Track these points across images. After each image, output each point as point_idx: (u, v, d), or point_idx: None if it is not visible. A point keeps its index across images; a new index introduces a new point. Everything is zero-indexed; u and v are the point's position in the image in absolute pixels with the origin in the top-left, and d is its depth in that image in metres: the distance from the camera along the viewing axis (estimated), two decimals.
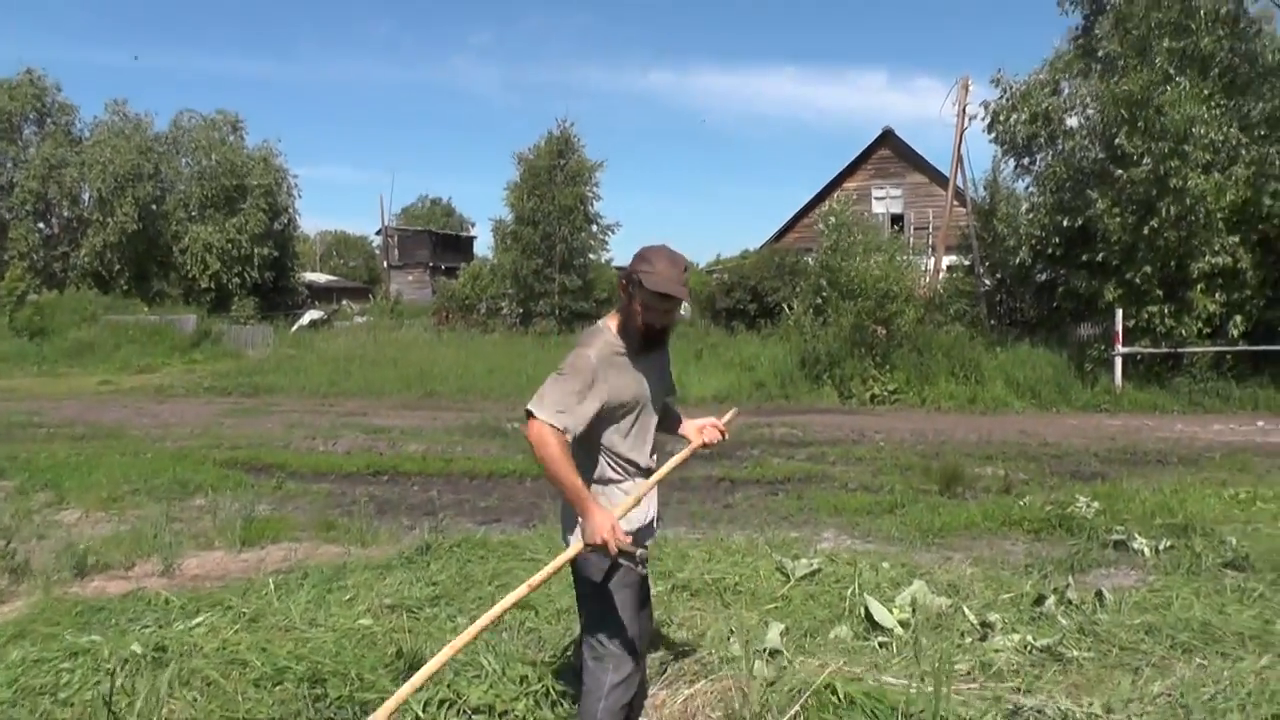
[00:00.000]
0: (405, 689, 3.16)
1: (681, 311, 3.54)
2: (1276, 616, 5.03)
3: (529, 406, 3.22)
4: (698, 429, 3.73)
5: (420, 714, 3.76)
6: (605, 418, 3.34)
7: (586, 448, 3.38)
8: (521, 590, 3.28)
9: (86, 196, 40.28)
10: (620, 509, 3.32)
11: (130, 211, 38.64)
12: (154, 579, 6.51)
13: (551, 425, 3.17)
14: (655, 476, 3.49)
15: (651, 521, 3.55)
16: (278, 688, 4.17)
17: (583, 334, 3.52)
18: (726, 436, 3.73)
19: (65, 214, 40.67)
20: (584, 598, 3.48)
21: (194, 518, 8.51)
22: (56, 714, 3.94)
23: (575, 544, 3.30)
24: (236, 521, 7.89)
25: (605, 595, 3.38)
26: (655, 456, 3.55)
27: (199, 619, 5.21)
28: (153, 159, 40.42)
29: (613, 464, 3.44)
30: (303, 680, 4.14)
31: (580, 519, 3.23)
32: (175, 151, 42.07)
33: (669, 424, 3.76)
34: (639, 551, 3.31)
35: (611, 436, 3.40)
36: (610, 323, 3.47)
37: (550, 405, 3.21)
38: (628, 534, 3.24)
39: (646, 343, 3.43)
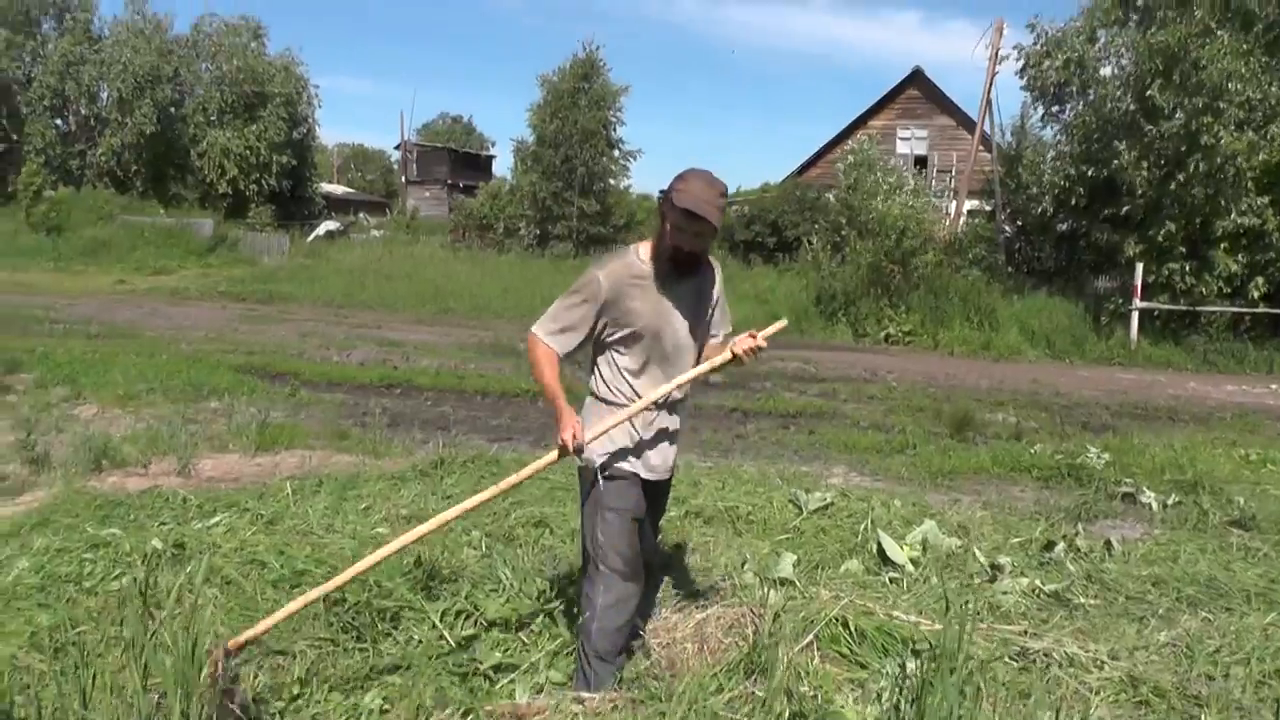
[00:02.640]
0: (358, 566, 3.44)
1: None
2: None
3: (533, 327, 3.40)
4: (735, 342, 3.52)
5: (438, 623, 3.82)
6: (614, 340, 3.39)
7: (602, 365, 3.49)
8: (501, 485, 3.48)
9: (105, 96, 39.90)
10: (598, 428, 3.39)
11: (149, 113, 38.33)
12: (170, 478, 6.59)
13: (539, 338, 3.37)
14: (673, 382, 3.45)
15: (667, 466, 3.60)
16: (296, 589, 4.23)
17: (611, 256, 3.50)
18: (764, 346, 3.44)
19: (83, 112, 40.31)
20: (583, 518, 3.53)
21: (209, 420, 8.58)
22: (83, 602, 4.02)
23: (551, 453, 3.42)
24: (251, 426, 7.97)
25: (600, 516, 3.41)
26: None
27: (217, 519, 5.29)
28: (172, 62, 39.96)
29: (618, 387, 3.46)
30: (321, 584, 4.20)
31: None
32: (195, 55, 41.53)
33: (708, 352, 3.65)
34: (585, 453, 3.38)
35: (623, 360, 3.43)
36: (642, 246, 3.45)
37: (545, 321, 3.39)
38: (621, 474, 3.40)
39: (676, 268, 3.36)
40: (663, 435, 3.55)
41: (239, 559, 4.56)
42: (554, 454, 3.39)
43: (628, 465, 3.45)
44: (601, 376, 3.51)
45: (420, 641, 3.72)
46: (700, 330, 3.55)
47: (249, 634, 3.26)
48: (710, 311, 3.60)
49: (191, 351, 12.79)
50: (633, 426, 3.45)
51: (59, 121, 40.89)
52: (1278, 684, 3.72)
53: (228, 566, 4.43)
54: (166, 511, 5.53)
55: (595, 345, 3.50)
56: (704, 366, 3.54)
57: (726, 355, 3.47)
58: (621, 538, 3.40)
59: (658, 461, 3.54)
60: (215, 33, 41.47)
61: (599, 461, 3.42)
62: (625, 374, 3.44)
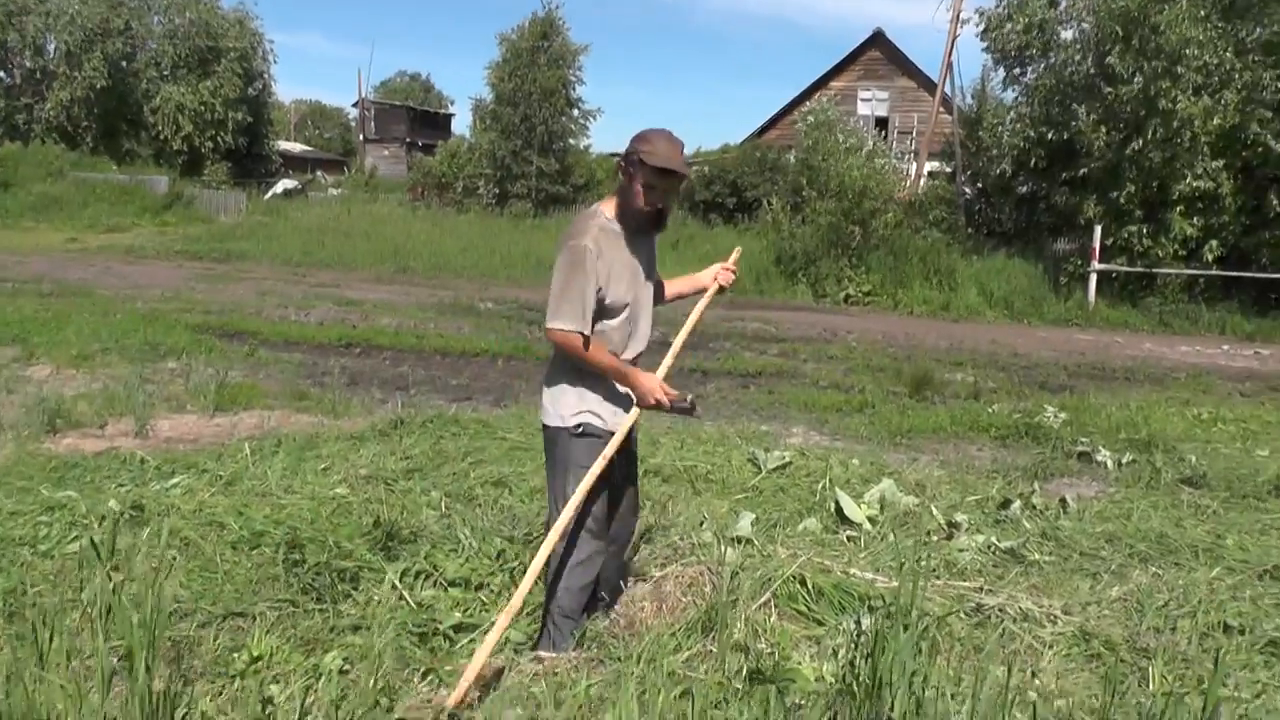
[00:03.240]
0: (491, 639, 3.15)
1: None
2: (1228, 531, 5.19)
3: (547, 324, 3.32)
4: (712, 275, 3.80)
5: (398, 583, 3.82)
6: (600, 303, 3.35)
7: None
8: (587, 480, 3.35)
9: (52, 48, 38.91)
10: (661, 369, 3.48)
11: (99, 67, 37.43)
12: (127, 439, 6.51)
13: (567, 330, 3.27)
14: (687, 325, 3.64)
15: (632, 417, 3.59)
16: (255, 550, 4.22)
17: (574, 222, 3.48)
18: (738, 273, 3.82)
19: (28, 65, 39.28)
20: (549, 459, 3.53)
21: (166, 380, 8.48)
22: (38, 565, 3.97)
23: (632, 414, 3.43)
24: (209, 386, 7.88)
25: (571, 474, 3.40)
26: (648, 340, 3.61)
27: (175, 480, 5.24)
28: (123, 14, 39.00)
29: (608, 347, 3.44)
30: (280, 545, 4.19)
31: (631, 389, 3.40)
32: (146, 8, 40.59)
33: (664, 292, 3.81)
34: (689, 398, 3.43)
35: (608, 320, 3.41)
36: (604, 206, 3.45)
37: (563, 314, 3.28)
38: (597, 432, 3.41)
39: (646, 226, 3.46)
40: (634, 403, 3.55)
41: (198, 520, 4.52)
42: (635, 414, 3.44)
43: (599, 423, 3.44)
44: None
45: (380, 602, 3.72)
46: (653, 282, 3.63)
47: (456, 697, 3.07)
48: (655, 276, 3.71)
49: (147, 311, 12.60)
50: (606, 384, 3.44)
51: (1, 74, 39.83)
52: (1221, 635, 3.82)
53: (187, 528, 4.40)
54: (124, 473, 5.48)
55: None
56: (701, 305, 3.75)
57: (714, 288, 3.76)
58: (590, 497, 3.40)
59: (628, 420, 3.53)
60: None
61: (572, 421, 3.42)
62: (615, 341, 3.44)
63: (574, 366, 3.42)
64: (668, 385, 3.39)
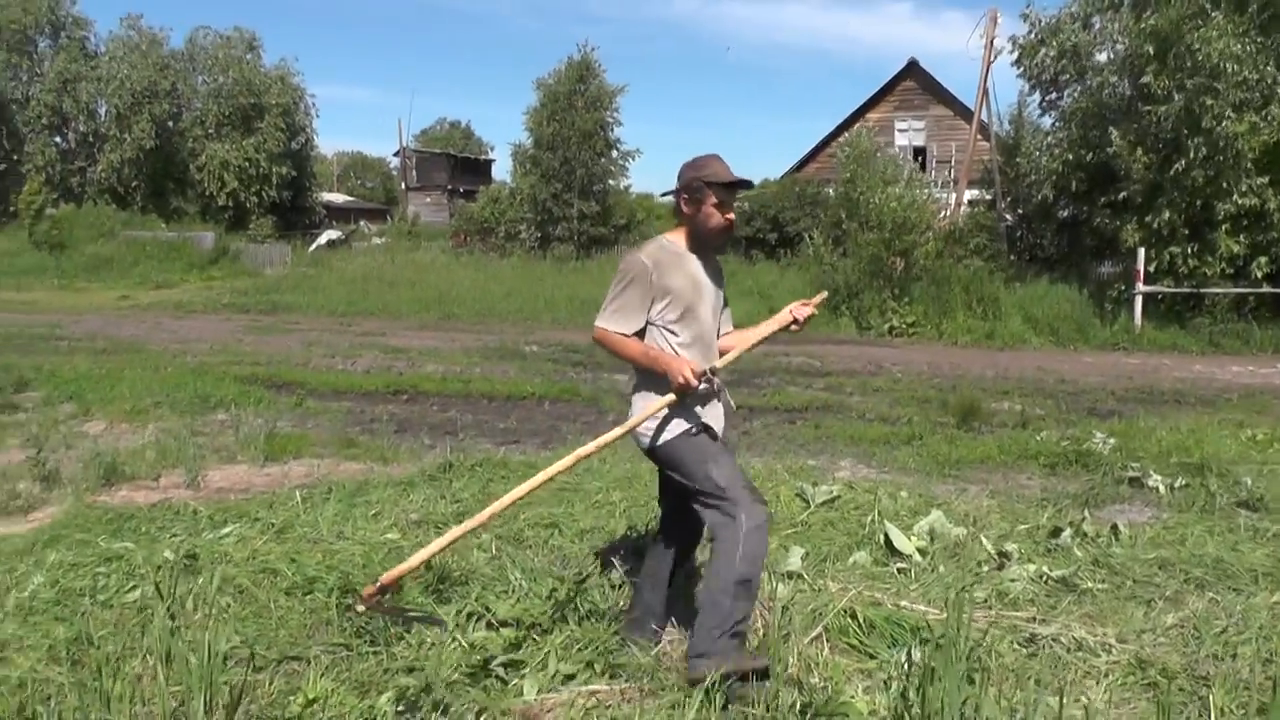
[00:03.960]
0: (427, 550, 3.52)
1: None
2: None
3: (595, 323, 3.56)
4: (789, 309, 3.80)
5: (452, 626, 3.85)
6: (662, 317, 3.53)
7: (652, 344, 3.57)
8: (581, 452, 3.57)
9: (103, 112, 40.07)
10: (720, 361, 3.64)
11: (147, 128, 38.51)
12: (180, 490, 6.62)
13: (605, 328, 3.51)
14: (750, 340, 3.76)
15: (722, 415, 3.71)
16: (308, 596, 4.27)
17: (642, 243, 3.73)
18: (815, 314, 3.80)
19: (81, 129, 40.47)
20: (679, 468, 3.54)
21: (216, 432, 8.61)
22: (99, 614, 4.05)
23: (666, 396, 3.47)
24: (259, 436, 7.98)
25: (710, 461, 3.47)
26: (714, 358, 3.67)
27: (228, 529, 5.32)
28: (169, 76, 40.11)
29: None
30: (333, 589, 4.24)
31: (666, 375, 3.43)
32: (191, 69, 41.72)
33: (744, 334, 3.89)
34: (706, 371, 3.48)
35: (672, 336, 3.55)
36: (666, 236, 3.69)
37: (606, 313, 3.52)
38: (700, 427, 3.53)
39: (720, 243, 3.65)
40: (717, 403, 3.69)
41: (251, 568, 4.59)
42: (669, 396, 3.48)
43: (708, 420, 3.59)
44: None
45: (433, 644, 3.75)
46: (720, 312, 3.77)
47: (395, 572, 3.42)
48: (724, 297, 3.83)
49: (197, 364, 12.83)
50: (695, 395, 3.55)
51: (58, 139, 41.15)
52: None
53: (240, 575, 4.46)
54: (178, 523, 5.57)
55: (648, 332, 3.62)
56: (765, 329, 3.78)
57: (785, 318, 3.74)
58: (736, 471, 3.50)
59: (719, 427, 3.67)
60: (210, 45, 41.61)
61: (683, 428, 3.53)
62: (677, 349, 3.55)
63: (652, 385, 3.54)
64: (694, 364, 3.45)
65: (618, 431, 3.54)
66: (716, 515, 3.40)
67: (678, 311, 3.53)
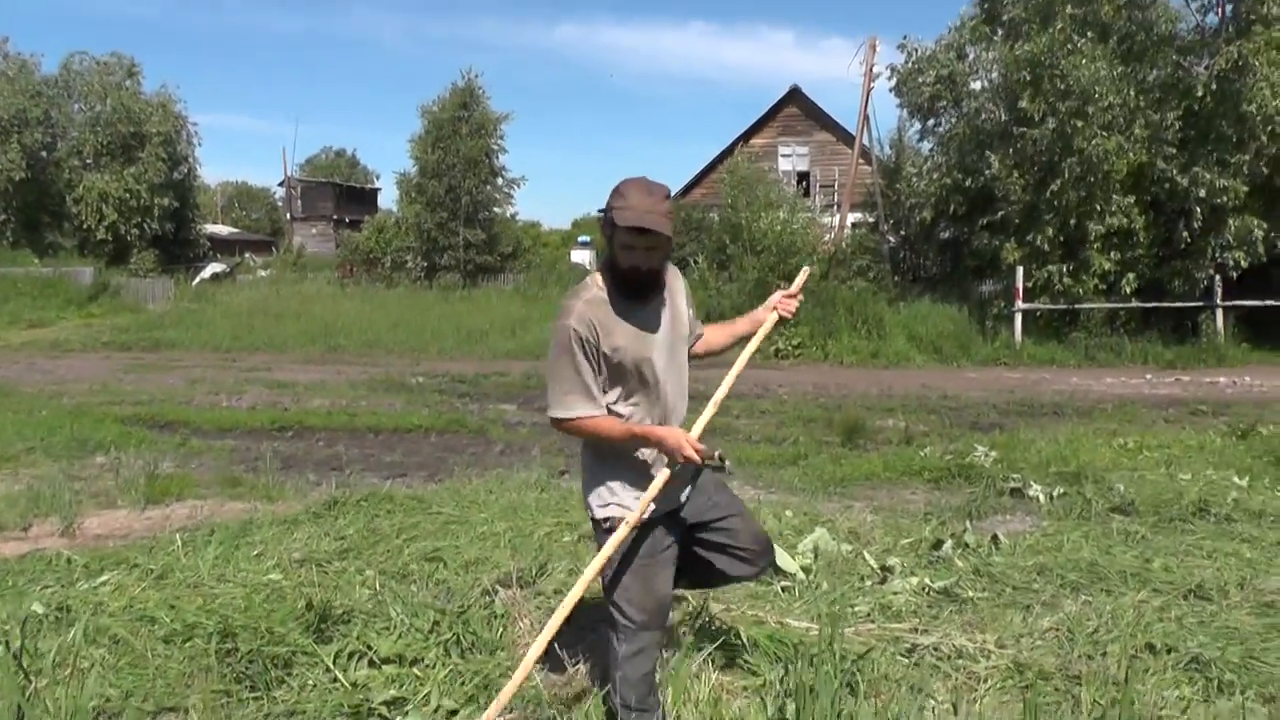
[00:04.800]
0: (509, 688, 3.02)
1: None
2: (1155, 555, 5.32)
3: (550, 415, 3.13)
4: (768, 307, 3.49)
5: (331, 665, 3.77)
6: (606, 381, 3.13)
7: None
8: (589, 573, 3.12)
9: None
10: (697, 428, 3.20)
11: (16, 159, 36.80)
12: (53, 539, 6.35)
13: (572, 418, 3.08)
14: (732, 372, 3.39)
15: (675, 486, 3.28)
16: (188, 644, 4.13)
17: (565, 296, 3.19)
18: (801, 299, 3.51)
19: None
20: (604, 566, 3.21)
21: (95, 476, 8.31)
22: None
23: (662, 473, 3.10)
24: (140, 479, 7.74)
25: (609, 567, 3.17)
26: (684, 409, 3.32)
27: (103, 577, 5.11)
28: (41, 103, 38.50)
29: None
30: (213, 635, 4.11)
31: (660, 448, 3.08)
32: (67, 96, 40.11)
33: (719, 343, 3.59)
34: (717, 453, 3.12)
35: (619, 400, 3.17)
36: (597, 275, 3.19)
37: (564, 402, 3.08)
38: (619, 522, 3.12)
39: (635, 290, 3.10)
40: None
41: (127, 616, 4.41)
42: (665, 474, 3.10)
43: (622, 511, 3.16)
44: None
45: (314, 685, 3.67)
46: (685, 340, 3.35)
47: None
48: (687, 317, 3.39)
49: (74, 405, 12.35)
50: (631, 470, 3.20)
51: None
52: (1148, 657, 3.91)
53: (115, 625, 4.29)
54: (49, 574, 5.32)
55: None
56: (751, 345, 3.43)
57: (774, 318, 3.43)
58: (632, 586, 3.17)
59: (671, 489, 3.24)
60: (87, 72, 40.07)
61: (599, 514, 3.22)
62: (628, 416, 3.16)
63: (596, 454, 3.23)
64: (695, 441, 3.06)
65: (607, 550, 3.12)
66: (611, 622, 3.23)
67: (615, 374, 3.11)
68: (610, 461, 3.21)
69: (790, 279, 13.91)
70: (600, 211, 3.24)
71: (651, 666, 3.25)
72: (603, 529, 3.19)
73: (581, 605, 4.52)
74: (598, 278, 3.16)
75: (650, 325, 3.16)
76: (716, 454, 3.10)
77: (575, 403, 3.06)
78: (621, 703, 3.16)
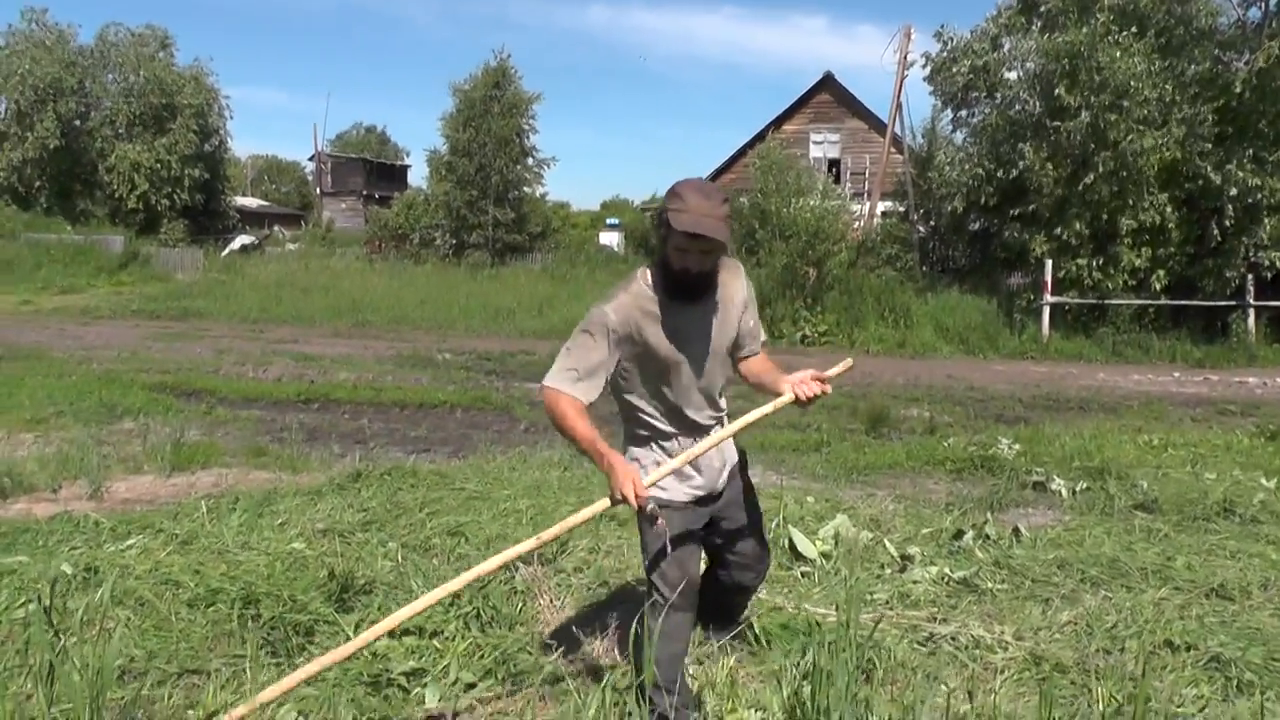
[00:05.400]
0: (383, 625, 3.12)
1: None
2: (1177, 553, 5.28)
3: (543, 381, 3.09)
4: (791, 383, 3.23)
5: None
6: (633, 380, 3.15)
7: (624, 409, 3.25)
8: (529, 543, 3.14)
9: (2, 108, 38.63)
10: (656, 474, 3.10)
11: (52, 126, 37.18)
12: (81, 502, 6.44)
13: (557, 389, 3.03)
14: (727, 430, 3.26)
15: (716, 469, 3.32)
16: (211, 608, 4.18)
17: (614, 286, 3.19)
18: (828, 391, 3.22)
19: None
20: (644, 543, 3.28)
21: (122, 441, 8.40)
22: None
23: (600, 501, 3.06)
24: (166, 446, 7.82)
25: (647, 547, 3.21)
26: (710, 415, 3.29)
27: (130, 541, 5.17)
28: (76, 73, 38.81)
29: (644, 428, 3.24)
30: (236, 601, 4.16)
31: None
32: (101, 66, 40.39)
33: (755, 375, 3.41)
34: (650, 507, 3.00)
35: (643, 396, 3.19)
36: (647, 271, 3.16)
37: (559, 372, 3.06)
38: (662, 503, 3.10)
39: (685, 291, 3.07)
40: (712, 458, 3.31)
41: (153, 580, 4.47)
42: (604, 502, 3.03)
43: (663, 493, 3.16)
44: (634, 419, 3.26)
45: None
46: (728, 347, 3.28)
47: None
48: (739, 322, 3.29)
49: (103, 372, 12.49)
50: (666, 454, 3.19)
51: None
52: (1166, 654, 3.90)
53: (141, 588, 4.35)
54: (78, 536, 5.39)
55: (614, 390, 3.23)
56: (762, 411, 3.24)
57: (788, 397, 3.19)
58: (669, 567, 3.15)
59: (703, 479, 3.28)
60: (121, 43, 40.36)
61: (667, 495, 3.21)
62: (655, 411, 3.19)
63: (630, 436, 3.26)
64: (641, 486, 2.93)
65: (577, 517, 3.16)
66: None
67: (651, 372, 3.09)
68: (640, 443, 3.23)
69: (819, 265, 13.65)
70: (654, 213, 3.11)
71: (683, 649, 3.27)
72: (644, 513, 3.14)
73: (602, 586, 4.59)
74: (647, 274, 3.13)
75: (692, 327, 3.13)
76: (650, 508, 2.99)
77: (567, 379, 3.03)
78: (651, 685, 3.12)
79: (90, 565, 4.65)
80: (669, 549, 3.09)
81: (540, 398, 3.07)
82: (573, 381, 3.02)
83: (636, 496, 2.89)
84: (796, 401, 3.17)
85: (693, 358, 3.13)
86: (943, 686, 3.09)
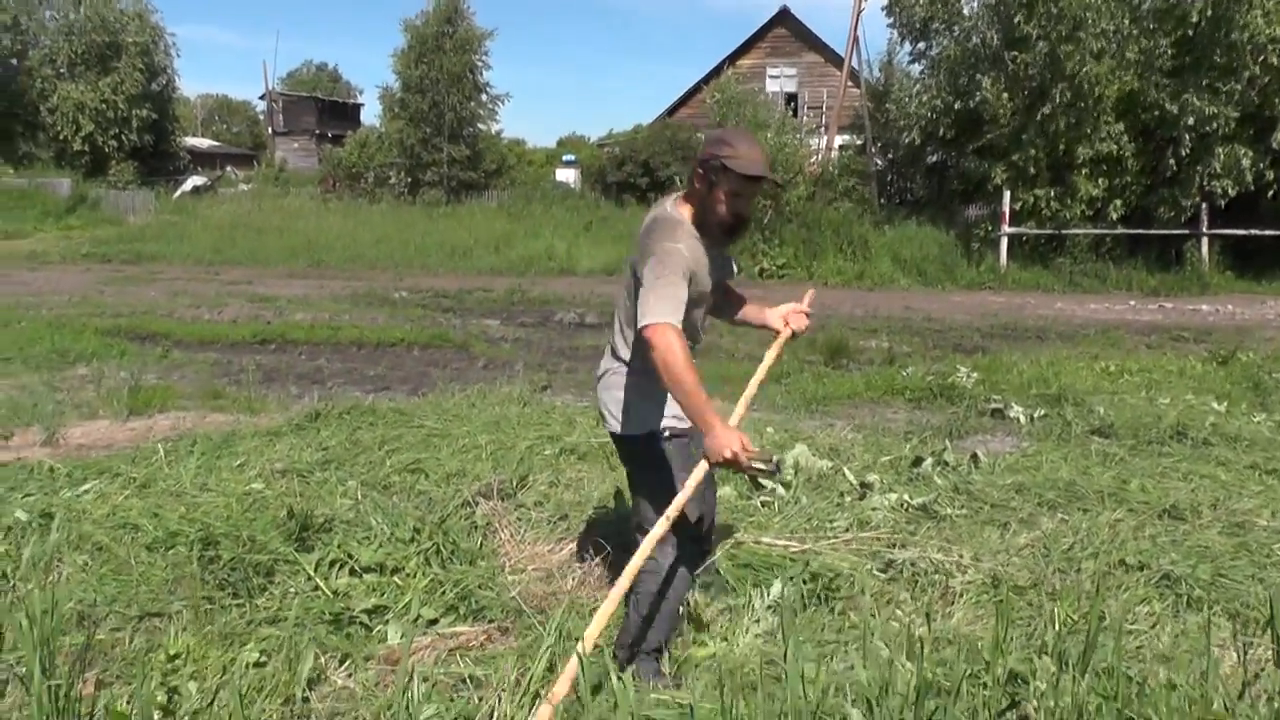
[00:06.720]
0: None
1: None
2: (1132, 476, 5.39)
3: (643, 323, 2.86)
4: (782, 317, 3.44)
5: (312, 573, 3.80)
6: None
7: (639, 340, 3.04)
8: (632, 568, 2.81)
9: None
10: (734, 417, 3.04)
11: None
12: (36, 449, 6.33)
13: (668, 326, 2.83)
14: (758, 374, 3.25)
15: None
16: (170, 551, 4.15)
17: (658, 222, 3.13)
18: (812, 318, 3.50)
19: None
20: (643, 483, 3.26)
21: (76, 387, 8.27)
22: None
23: (701, 466, 2.90)
24: (122, 390, 7.72)
25: (676, 477, 3.07)
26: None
27: (86, 486, 5.11)
28: (10, 9, 37.50)
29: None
30: (195, 543, 4.12)
31: (704, 433, 2.83)
32: (38, 2, 39.10)
33: (733, 309, 3.57)
34: (774, 458, 2.90)
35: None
36: (682, 211, 3.16)
37: (660, 307, 2.86)
38: (679, 432, 3.11)
39: (735, 235, 3.17)
40: None
41: (110, 524, 4.43)
42: (704, 466, 2.89)
43: (681, 424, 3.13)
44: (641, 355, 3.07)
45: (296, 593, 3.70)
46: (722, 283, 3.39)
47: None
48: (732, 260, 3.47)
49: (54, 317, 12.24)
50: (658, 386, 3.02)
51: None
52: (1121, 573, 3.98)
53: (99, 533, 4.30)
54: (32, 482, 5.31)
55: (631, 320, 3.10)
56: (771, 354, 3.34)
57: (786, 334, 3.41)
58: (693, 506, 3.07)
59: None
60: None
61: (664, 425, 3.17)
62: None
63: (641, 375, 3.14)
64: (748, 441, 2.81)
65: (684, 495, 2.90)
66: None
67: (695, 302, 3.09)
68: (655, 382, 3.02)
69: (776, 199, 13.63)
70: (699, 161, 3.13)
71: (689, 587, 3.31)
72: (662, 439, 3.16)
73: (562, 520, 4.59)
74: (684, 214, 3.14)
75: (718, 266, 3.23)
76: (773, 458, 2.88)
77: (669, 309, 2.86)
78: (653, 631, 3.20)
79: (45, 511, 4.59)
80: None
81: (649, 336, 2.83)
82: (675, 313, 2.88)
83: (746, 451, 2.77)
84: (793, 337, 3.41)
85: (714, 292, 3.26)
86: (898, 611, 3.11)
